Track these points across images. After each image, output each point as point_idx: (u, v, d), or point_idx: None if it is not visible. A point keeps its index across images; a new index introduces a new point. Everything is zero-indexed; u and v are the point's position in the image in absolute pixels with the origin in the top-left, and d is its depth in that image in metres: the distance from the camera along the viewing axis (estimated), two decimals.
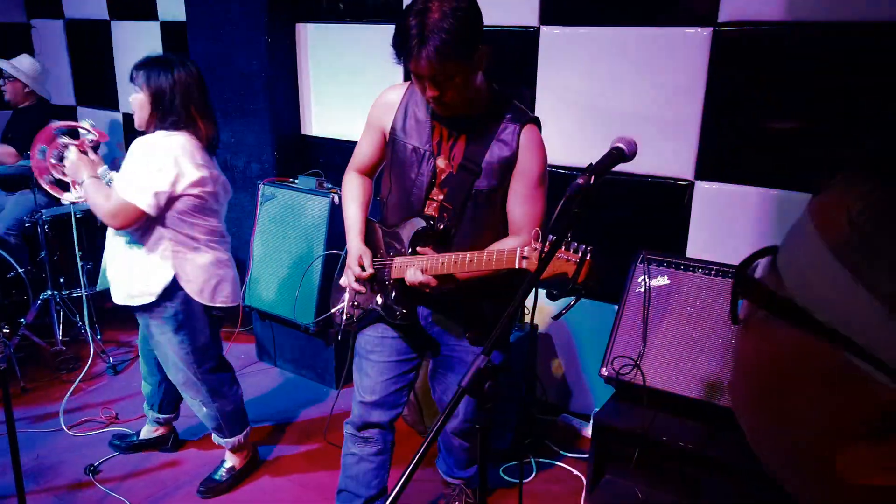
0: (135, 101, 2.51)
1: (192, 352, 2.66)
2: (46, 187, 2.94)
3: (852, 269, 0.37)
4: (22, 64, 4.36)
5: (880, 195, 0.38)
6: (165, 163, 2.41)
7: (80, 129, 2.84)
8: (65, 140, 2.70)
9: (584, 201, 1.31)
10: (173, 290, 2.56)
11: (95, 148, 2.70)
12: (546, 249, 1.40)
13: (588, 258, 1.44)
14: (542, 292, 1.65)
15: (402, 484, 1.13)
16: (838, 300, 0.38)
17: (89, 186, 2.52)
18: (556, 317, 2.96)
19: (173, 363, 2.69)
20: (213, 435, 2.88)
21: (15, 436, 2.16)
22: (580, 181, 1.32)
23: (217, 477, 2.87)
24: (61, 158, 2.71)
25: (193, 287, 2.59)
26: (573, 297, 2.76)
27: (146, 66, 2.50)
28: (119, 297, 2.64)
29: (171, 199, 2.46)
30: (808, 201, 0.44)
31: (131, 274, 2.57)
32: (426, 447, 1.16)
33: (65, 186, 2.87)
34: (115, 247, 2.62)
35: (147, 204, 2.40)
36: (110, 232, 2.62)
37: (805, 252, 0.41)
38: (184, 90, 2.49)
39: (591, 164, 1.39)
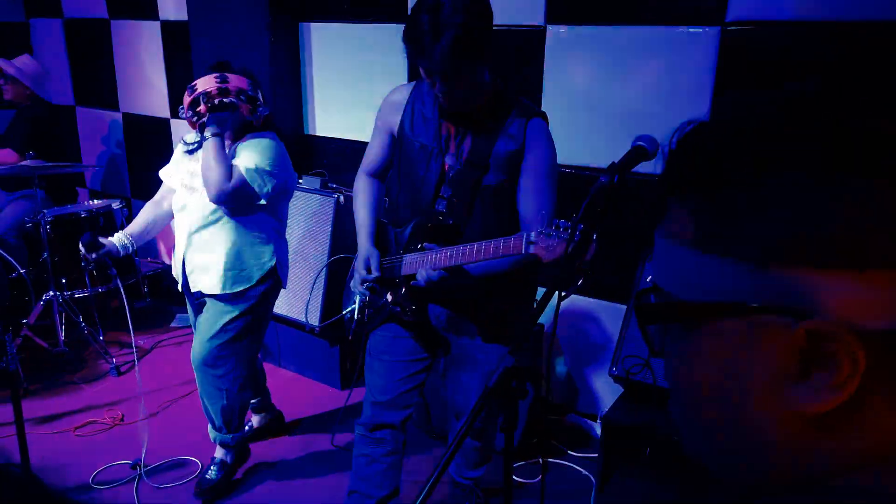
0: None
1: (252, 334, 2.71)
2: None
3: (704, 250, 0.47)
4: (23, 64, 4.32)
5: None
6: (286, 160, 2.65)
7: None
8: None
9: (608, 200, 1.31)
10: (270, 273, 2.65)
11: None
12: (572, 238, 1.38)
13: (594, 237, 1.42)
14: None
15: (429, 489, 1.12)
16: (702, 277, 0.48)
17: (215, 145, 2.43)
18: (565, 296, 2.96)
19: (222, 343, 2.63)
20: (212, 432, 2.83)
21: (24, 437, 2.15)
22: (604, 180, 1.32)
23: (210, 476, 2.79)
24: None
25: (284, 271, 2.72)
26: (580, 278, 2.76)
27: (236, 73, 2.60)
28: (210, 287, 2.58)
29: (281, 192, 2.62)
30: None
31: (237, 260, 2.57)
32: (453, 450, 1.15)
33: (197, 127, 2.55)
34: (208, 237, 2.57)
35: (268, 197, 2.54)
36: (196, 222, 2.56)
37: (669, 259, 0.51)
38: (262, 93, 2.68)
39: (613, 162, 1.38)
